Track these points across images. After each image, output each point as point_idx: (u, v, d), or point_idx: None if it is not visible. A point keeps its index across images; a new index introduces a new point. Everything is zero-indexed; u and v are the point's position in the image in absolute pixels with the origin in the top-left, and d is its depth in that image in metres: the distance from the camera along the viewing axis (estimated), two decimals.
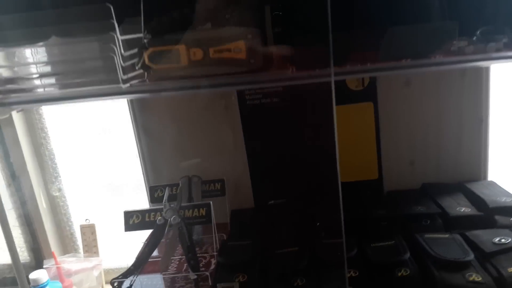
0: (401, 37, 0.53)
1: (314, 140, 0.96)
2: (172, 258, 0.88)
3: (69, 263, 1.33)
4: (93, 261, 1.35)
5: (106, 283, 1.43)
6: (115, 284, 0.79)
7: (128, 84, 0.50)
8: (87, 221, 1.39)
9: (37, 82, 0.55)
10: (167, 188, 0.87)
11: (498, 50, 0.49)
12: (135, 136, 0.99)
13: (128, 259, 1.29)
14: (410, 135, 0.95)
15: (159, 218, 0.82)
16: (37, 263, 1.43)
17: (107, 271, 1.43)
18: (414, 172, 0.98)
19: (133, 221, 0.84)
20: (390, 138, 0.95)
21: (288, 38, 0.55)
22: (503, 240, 0.73)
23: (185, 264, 0.86)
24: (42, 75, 0.53)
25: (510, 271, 0.66)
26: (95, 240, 1.39)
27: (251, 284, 0.70)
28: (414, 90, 0.92)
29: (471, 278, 0.67)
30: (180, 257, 0.89)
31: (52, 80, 0.54)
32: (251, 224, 0.94)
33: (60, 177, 1.34)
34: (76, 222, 1.41)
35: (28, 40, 0.54)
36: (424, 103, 0.93)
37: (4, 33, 0.50)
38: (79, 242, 1.42)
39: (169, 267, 0.85)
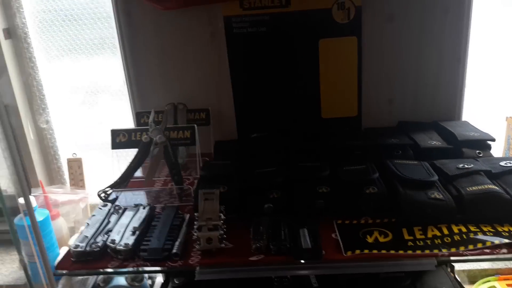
0: None
1: (298, 74, 1.00)
2: (157, 178, 0.93)
3: (56, 193, 1.38)
4: (79, 194, 1.41)
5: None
6: (102, 195, 0.84)
7: None
8: (74, 155, 1.44)
9: None
10: (152, 110, 0.91)
11: None
12: (123, 64, 1.01)
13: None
14: (391, 72, 0.99)
15: (145, 136, 0.86)
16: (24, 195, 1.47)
17: (93, 206, 1.49)
18: (392, 110, 1.03)
19: (119, 139, 0.88)
20: (371, 75, 0.99)
21: None
22: (466, 166, 0.79)
23: (170, 184, 0.92)
24: None
25: (469, 190, 0.73)
26: (81, 174, 1.44)
27: (231, 194, 0.76)
28: (398, 26, 0.95)
29: (432, 196, 0.73)
30: (164, 178, 0.94)
31: None
32: (234, 153, 0.99)
33: (48, 109, 1.37)
34: (64, 155, 1.45)
35: None
36: (406, 40, 0.96)
37: None
38: (66, 176, 1.47)
39: (154, 185, 0.91)
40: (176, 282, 1.09)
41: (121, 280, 1.12)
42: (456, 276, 1.11)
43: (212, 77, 1.00)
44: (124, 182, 0.85)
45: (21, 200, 1.21)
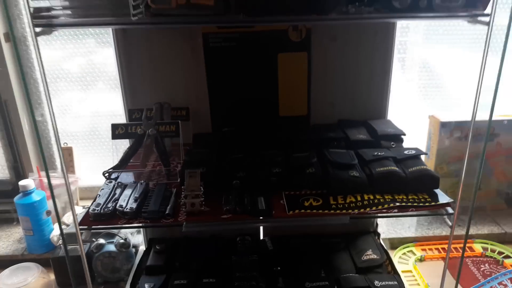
0: None
1: (261, 80, 1.32)
2: (147, 163, 1.23)
3: (50, 177, 1.64)
4: (70, 178, 1.68)
5: (81, 199, 1.76)
6: (106, 174, 1.13)
7: (136, 17, 0.81)
8: (65, 144, 1.70)
9: (69, 11, 0.84)
10: (145, 109, 1.21)
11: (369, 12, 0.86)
12: (117, 66, 1.28)
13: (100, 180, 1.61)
14: (333, 81, 1.32)
15: (139, 129, 1.16)
16: (17, 180, 1.73)
17: (81, 189, 1.76)
18: (334, 111, 1.37)
19: (118, 131, 1.17)
20: (318, 83, 1.31)
21: None
22: (379, 154, 1.14)
23: (158, 167, 1.22)
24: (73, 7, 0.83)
25: (378, 170, 1.08)
26: (72, 161, 1.72)
27: (209, 173, 1.07)
28: (339, 44, 1.28)
29: (352, 174, 1.08)
30: (153, 163, 1.24)
31: (80, 11, 0.84)
32: (210, 143, 1.30)
33: (43, 103, 1.62)
34: (55, 145, 1.71)
35: None
36: (345, 55, 1.29)
37: None
38: (57, 162, 1.73)
39: (145, 168, 1.21)
40: (158, 248, 1.40)
41: (111, 247, 1.40)
42: (381, 242, 1.48)
43: (192, 82, 1.30)
44: (123, 165, 1.14)
45: (22, 182, 1.48)
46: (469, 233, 1.55)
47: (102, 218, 0.98)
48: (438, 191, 1.07)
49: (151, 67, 1.28)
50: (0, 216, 1.71)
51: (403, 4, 0.85)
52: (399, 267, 1.34)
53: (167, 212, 0.98)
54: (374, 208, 1.01)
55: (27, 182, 1.47)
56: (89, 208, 1.00)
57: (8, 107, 1.58)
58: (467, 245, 1.57)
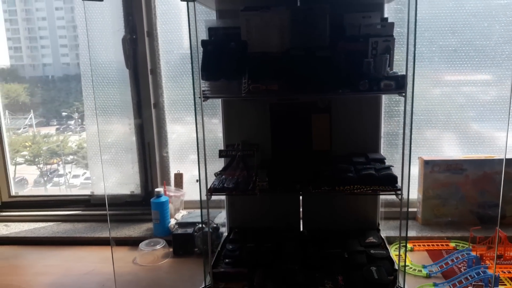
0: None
1: (302, 129, 2.51)
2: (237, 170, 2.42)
3: (169, 191, 2.91)
4: (180, 192, 2.93)
5: (184, 208, 2.98)
6: (216, 174, 2.34)
7: (244, 94, 2.07)
8: (178, 171, 2.98)
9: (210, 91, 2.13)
10: (236, 143, 2.44)
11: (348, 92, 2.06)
12: (221, 119, 2.55)
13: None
14: (345, 129, 2.49)
15: (234, 152, 2.38)
16: (147, 194, 3.00)
17: (186, 201, 3.00)
18: (345, 147, 2.52)
19: (222, 154, 2.39)
20: (335, 130, 2.47)
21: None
22: (366, 166, 2.26)
23: (243, 172, 2.41)
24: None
25: (363, 173, 2.20)
26: (182, 181, 2.97)
27: (270, 172, 2.25)
28: (348, 108, 2.43)
29: (349, 175, 2.20)
30: (240, 170, 2.44)
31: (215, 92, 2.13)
32: (269, 163, 2.49)
33: (168, 145, 2.94)
34: (172, 171, 2.99)
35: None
36: (352, 115, 2.44)
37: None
38: (172, 183, 3.00)
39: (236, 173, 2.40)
40: (236, 230, 2.56)
41: (207, 229, 2.57)
42: (381, 235, 2.53)
43: (262, 129, 2.51)
44: (225, 171, 2.35)
45: (157, 189, 2.75)
46: (448, 235, 2.58)
47: (218, 190, 2.18)
48: (398, 185, 2.16)
49: (240, 120, 2.53)
50: (134, 217, 2.95)
51: (364, 88, 2.04)
52: (393, 252, 2.37)
53: (249, 187, 2.16)
54: (359, 190, 2.13)
55: (159, 189, 2.72)
56: (210, 186, 2.20)
57: (150, 147, 2.90)
58: (445, 242, 2.56)
